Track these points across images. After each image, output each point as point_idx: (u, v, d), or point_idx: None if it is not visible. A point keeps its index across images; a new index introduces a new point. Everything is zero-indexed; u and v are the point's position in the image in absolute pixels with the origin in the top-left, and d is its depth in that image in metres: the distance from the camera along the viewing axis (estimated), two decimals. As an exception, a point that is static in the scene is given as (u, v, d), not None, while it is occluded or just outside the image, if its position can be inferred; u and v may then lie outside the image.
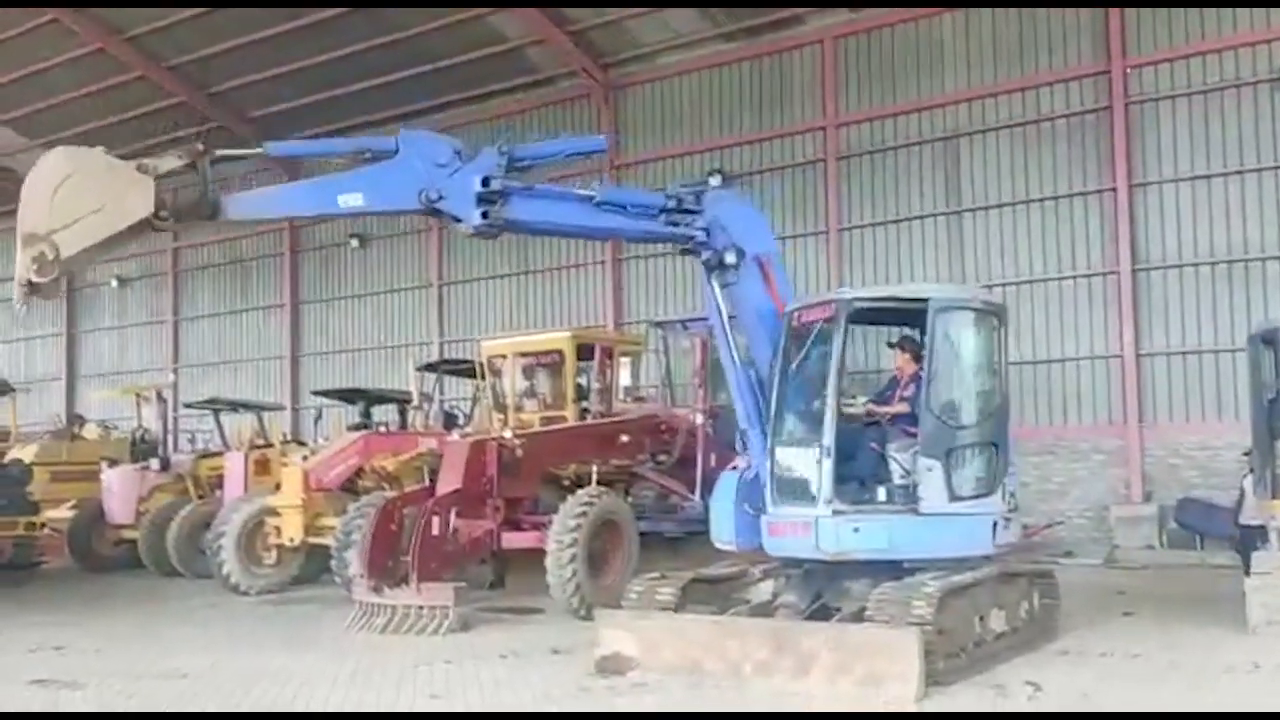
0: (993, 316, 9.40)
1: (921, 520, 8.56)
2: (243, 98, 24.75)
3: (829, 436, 8.65)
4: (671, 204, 9.32)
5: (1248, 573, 9.91)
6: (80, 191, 7.40)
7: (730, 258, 9.30)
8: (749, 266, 9.46)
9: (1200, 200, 16.88)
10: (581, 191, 9.29)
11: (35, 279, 7.31)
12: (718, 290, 9.56)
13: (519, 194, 8.72)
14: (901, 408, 9.19)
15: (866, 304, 9.37)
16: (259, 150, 8.75)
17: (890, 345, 10.22)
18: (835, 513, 8.59)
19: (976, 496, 8.83)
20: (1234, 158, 16.63)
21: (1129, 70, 17.32)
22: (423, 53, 21.89)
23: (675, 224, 9.37)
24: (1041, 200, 18.01)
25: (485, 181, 8.53)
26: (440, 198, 8.48)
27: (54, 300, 7.42)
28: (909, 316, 9.37)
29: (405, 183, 8.47)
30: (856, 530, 8.56)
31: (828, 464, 8.63)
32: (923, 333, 9.10)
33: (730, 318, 9.78)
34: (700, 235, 9.35)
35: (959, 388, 9.20)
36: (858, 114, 19.55)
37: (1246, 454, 11.74)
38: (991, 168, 18.44)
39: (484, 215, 8.57)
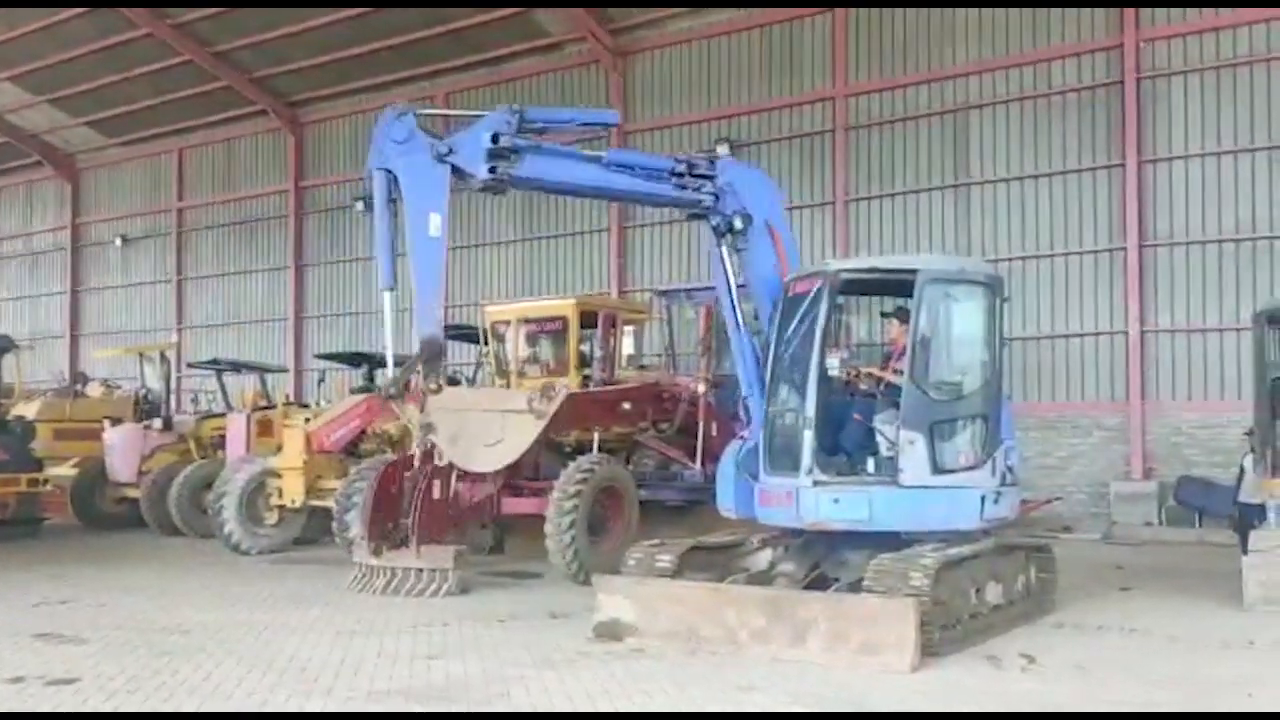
0: (986, 288, 9.29)
1: (903, 492, 8.58)
2: (253, 60, 24.71)
3: (811, 407, 8.69)
4: (681, 168, 9.34)
5: (1245, 551, 9.99)
6: None
7: (739, 223, 9.33)
8: (758, 231, 9.50)
9: (1210, 177, 16.78)
10: (590, 153, 9.31)
11: None
12: (727, 256, 9.56)
13: (528, 151, 8.79)
14: (895, 378, 9.14)
15: (853, 275, 9.30)
16: None
17: (884, 315, 10.20)
18: (816, 483, 8.65)
19: (963, 469, 8.82)
20: (1245, 135, 16.51)
21: (1142, 44, 17.16)
22: (432, 16, 21.75)
23: (684, 188, 9.36)
24: (1050, 175, 17.90)
25: (495, 138, 8.62)
26: (450, 151, 8.65)
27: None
28: (902, 288, 9.26)
29: (426, 168, 8.64)
30: (836, 501, 8.62)
31: (809, 434, 8.67)
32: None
33: (739, 286, 9.78)
34: (709, 200, 9.37)
35: (945, 360, 9.14)
36: (867, 85, 19.41)
37: (1248, 433, 11.76)
38: (1000, 141, 18.33)
39: (491, 170, 8.66)
